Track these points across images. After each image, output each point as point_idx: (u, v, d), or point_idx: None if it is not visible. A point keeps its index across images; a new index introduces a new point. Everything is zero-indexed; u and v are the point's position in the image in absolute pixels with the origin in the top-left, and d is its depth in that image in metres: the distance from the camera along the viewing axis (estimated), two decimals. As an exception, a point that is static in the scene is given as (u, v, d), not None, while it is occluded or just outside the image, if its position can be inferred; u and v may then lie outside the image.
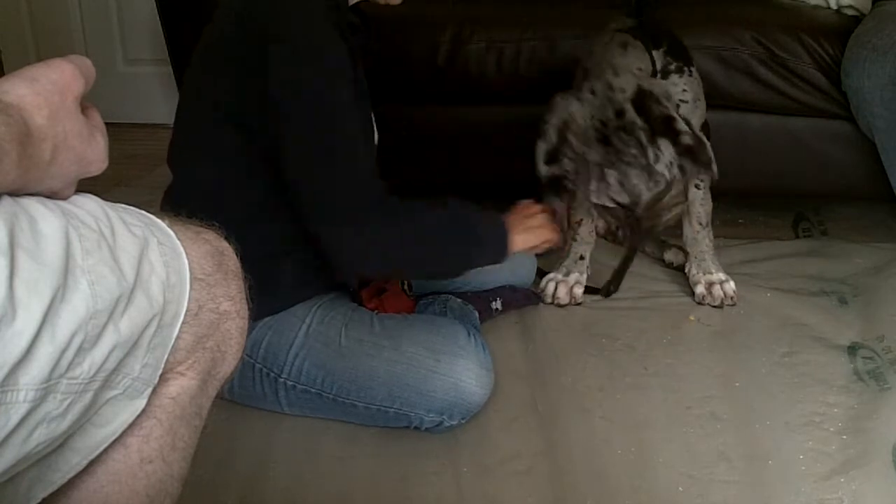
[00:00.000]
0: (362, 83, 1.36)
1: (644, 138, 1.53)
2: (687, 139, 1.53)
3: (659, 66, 1.65)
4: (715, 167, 1.57)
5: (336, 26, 1.26)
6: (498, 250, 1.37)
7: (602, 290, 1.79)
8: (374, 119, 1.44)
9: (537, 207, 1.52)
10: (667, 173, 1.56)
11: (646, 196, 1.61)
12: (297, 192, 1.25)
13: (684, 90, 1.68)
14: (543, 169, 1.59)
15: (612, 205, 1.65)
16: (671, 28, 1.76)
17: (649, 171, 1.56)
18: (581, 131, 1.56)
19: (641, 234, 1.79)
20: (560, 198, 1.57)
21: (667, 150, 1.54)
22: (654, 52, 1.65)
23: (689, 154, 1.55)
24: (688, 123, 1.55)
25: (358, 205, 1.24)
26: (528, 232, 1.44)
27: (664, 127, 1.53)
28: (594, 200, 1.65)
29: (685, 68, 1.68)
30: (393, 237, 1.27)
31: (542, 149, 1.59)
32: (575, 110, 1.57)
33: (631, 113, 1.53)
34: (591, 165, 1.58)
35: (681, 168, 1.57)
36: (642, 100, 1.54)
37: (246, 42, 1.25)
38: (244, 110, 1.26)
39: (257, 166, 1.29)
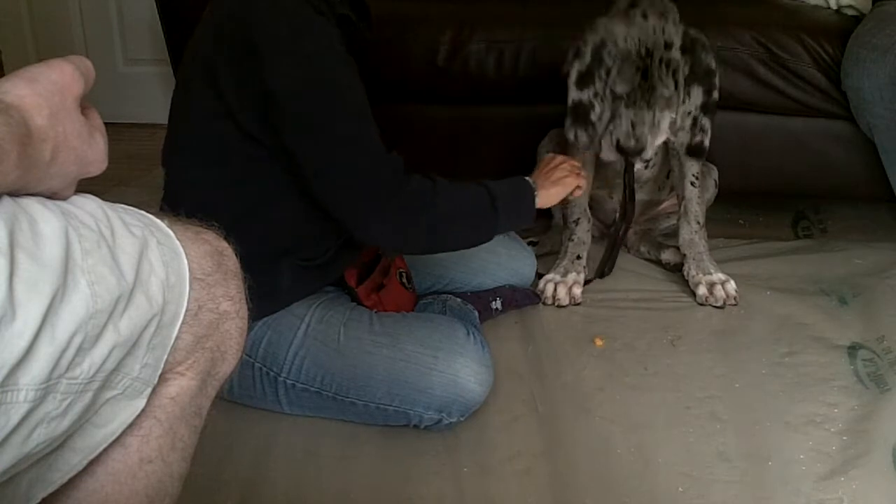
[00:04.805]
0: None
1: (682, 79, 1.48)
2: (716, 96, 1.50)
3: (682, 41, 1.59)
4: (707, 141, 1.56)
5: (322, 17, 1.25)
6: (524, 214, 1.41)
7: (596, 272, 1.79)
8: None
9: (560, 158, 1.54)
10: (685, 123, 1.52)
11: (649, 151, 1.56)
12: (322, 188, 1.25)
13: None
14: (574, 93, 1.52)
15: (612, 158, 1.61)
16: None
17: (663, 117, 1.52)
18: (622, 54, 1.47)
19: (632, 216, 1.79)
20: (585, 130, 1.52)
21: (696, 98, 1.50)
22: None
23: (707, 112, 1.51)
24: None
25: (381, 186, 1.25)
26: (557, 185, 1.47)
27: (705, 75, 1.49)
28: (600, 147, 1.60)
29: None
30: (420, 217, 1.29)
31: (575, 70, 1.52)
32: (619, 31, 1.47)
33: (677, 51, 1.46)
34: (613, 99, 1.52)
35: (693, 126, 1.53)
36: (693, 44, 1.49)
37: (235, 40, 1.24)
38: (236, 111, 1.25)
39: (250, 166, 1.28)
